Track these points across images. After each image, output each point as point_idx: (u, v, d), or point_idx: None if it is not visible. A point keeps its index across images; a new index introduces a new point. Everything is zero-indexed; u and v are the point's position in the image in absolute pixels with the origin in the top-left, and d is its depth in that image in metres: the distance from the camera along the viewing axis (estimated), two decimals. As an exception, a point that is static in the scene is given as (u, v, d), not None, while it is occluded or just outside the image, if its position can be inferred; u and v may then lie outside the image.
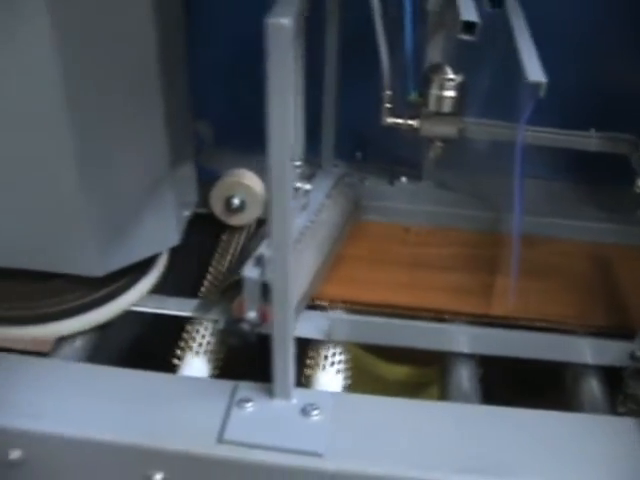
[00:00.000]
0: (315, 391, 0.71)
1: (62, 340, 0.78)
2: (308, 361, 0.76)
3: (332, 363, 0.75)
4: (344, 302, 0.78)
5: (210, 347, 0.76)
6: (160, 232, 0.75)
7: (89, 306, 0.76)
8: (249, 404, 0.66)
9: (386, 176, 0.92)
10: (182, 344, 0.77)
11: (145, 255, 0.76)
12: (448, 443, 0.65)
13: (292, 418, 0.66)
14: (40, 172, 0.67)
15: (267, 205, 0.58)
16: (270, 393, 0.67)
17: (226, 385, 0.69)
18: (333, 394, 0.70)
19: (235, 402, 0.67)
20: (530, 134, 0.77)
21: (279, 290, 0.62)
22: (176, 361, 0.76)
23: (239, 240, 0.87)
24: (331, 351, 0.76)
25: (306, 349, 0.77)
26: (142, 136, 0.69)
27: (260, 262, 0.72)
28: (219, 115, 0.95)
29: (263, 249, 0.72)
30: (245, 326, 0.72)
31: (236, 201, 0.85)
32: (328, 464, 0.63)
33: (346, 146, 0.95)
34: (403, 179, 0.93)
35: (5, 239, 0.73)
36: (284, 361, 0.65)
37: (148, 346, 0.85)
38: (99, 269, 0.73)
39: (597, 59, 0.87)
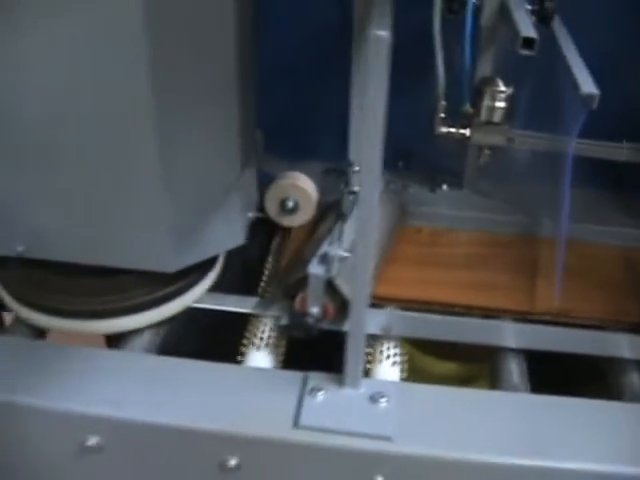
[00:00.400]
0: (381, 381, 0.75)
1: (129, 335, 0.82)
2: (366, 355, 0.81)
3: (388, 356, 0.79)
4: (397, 301, 0.83)
5: (271, 341, 0.81)
6: (228, 231, 0.79)
7: (156, 302, 0.80)
8: (320, 392, 0.71)
9: (428, 184, 0.97)
10: (245, 340, 0.81)
11: (214, 253, 0.80)
12: (507, 429, 0.70)
13: (361, 405, 0.70)
14: (126, 172, 0.71)
15: (354, 210, 0.63)
16: (339, 382, 0.72)
17: (296, 375, 0.74)
18: (398, 383, 0.74)
19: (307, 391, 0.71)
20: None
21: (359, 289, 0.66)
22: (239, 357, 0.81)
23: (294, 241, 0.91)
24: (386, 345, 0.81)
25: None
26: (219, 141, 0.74)
27: (325, 260, 0.77)
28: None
29: (327, 248, 0.77)
30: (310, 320, 0.76)
31: (290, 203, 0.90)
32: (398, 447, 0.68)
33: (388, 156, 1.00)
34: (444, 187, 0.98)
35: (83, 237, 0.77)
36: (356, 354, 0.69)
37: (208, 342, 0.89)
38: (172, 265, 0.77)
39: (629, 71, 0.93)
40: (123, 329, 0.80)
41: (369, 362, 0.79)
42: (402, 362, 0.80)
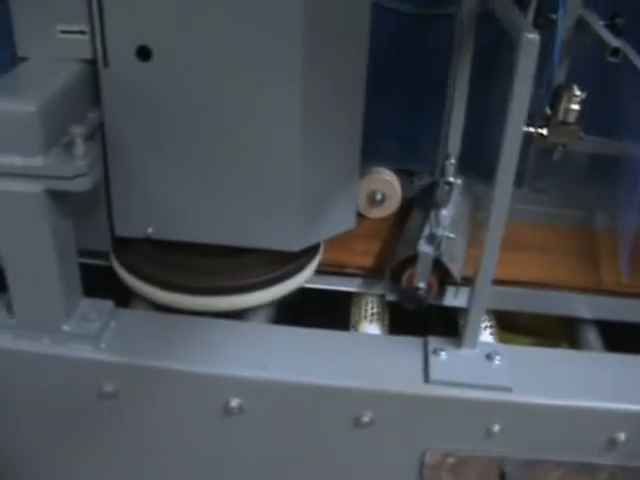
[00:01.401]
0: (492, 343, 0.85)
1: (245, 312, 0.89)
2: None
3: (485, 327, 0.89)
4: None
5: (379, 316, 0.90)
6: (344, 215, 0.89)
7: (274, 281, 0.88)
8: (443, 352, 0.81)
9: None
10: (354, 315, 0.91)
11: (332, 234, 0.89)
12: (600, 380, 0.81)
13: (480, 363, 0.80)
14: (266, 158, 0.80)
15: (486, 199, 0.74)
16: (457, 344, 0.81)
17: (417, 340, 0.83)
18: (506, 346, 0.84)
19: (430, 351, 0.81)
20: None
21: (486, 267, 0.76)
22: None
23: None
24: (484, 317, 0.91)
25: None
26: (348, 134, 0.84)
27: (432, 240, 0.86)
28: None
29: (434, 230, 0.87)
30: (421, 293, 0.85)
31: (379, 195, 0.99)
32: (518, 397, 0.78)
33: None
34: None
35: (213, 218, 0.85)
36: (477, 319, 0.80)
37: (314, 318, 0.97)
38: (297, 245, 0.85)
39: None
40: (244, 306, 0.88)
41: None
42: (495, 332, 0.90)
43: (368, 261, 0.94)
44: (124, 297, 0.92)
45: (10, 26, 0.80)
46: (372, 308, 0.90)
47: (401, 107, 1.12)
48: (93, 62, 0.79)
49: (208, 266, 0.88)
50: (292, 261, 0.89)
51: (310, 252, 0.92)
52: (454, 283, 0.89)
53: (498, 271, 0.93)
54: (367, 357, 0.81)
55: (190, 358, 0.80)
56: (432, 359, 0.80)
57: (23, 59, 0.80)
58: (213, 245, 0.87)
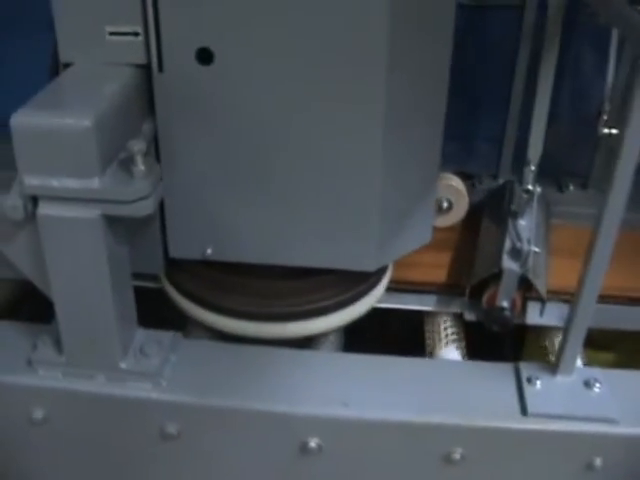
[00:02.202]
0: (588, 368, 0.78)
1: (317, 337, 0.82)
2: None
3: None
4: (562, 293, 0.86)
5: (456, 337, 0.83)
6: (421, 229, 0.81)
7: (345, 303, 0.80)
8: (537, 381, 0.74)
9: (555, 185, 1.02)
10: (428, 336, 0.84)
11: (408, 251, 0.81)
12: None
13: (579, 391, 0.73)
14: (344, 177, 0.72)
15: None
16: (551, 371, 0.74)
17: (506, 366, 0.76)
18: (603, 370, 0.77)
19: (524, 380, 0.74)
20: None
21: (592, 281, 0.68)
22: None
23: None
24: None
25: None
26: (426, 150, 0.76)
27: (517, 256, 0.79)
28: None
29: (518, 245, 0.80)
30: (507, 314, 0.78)
31: (445, 203, 0.92)
32: (623, 429, 0.71)
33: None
34: (571, 187, 1.04)
35: (279, 238, 0.76)
36: (576, 344, 0.72)
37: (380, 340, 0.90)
38: (373, 265, 0.78)
39: None
40: (316, 331, 0.80)
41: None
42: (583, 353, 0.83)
43: (441, 276, 0.88)
44: (170, 318, 0.86)
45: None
46: (446, 328, 0.84)
47: (458, 106, 1.04)
48: (146, 67, 0.71)
49: (272, 289, 0.80)
50: (362, 280, 0.81)
51: (379, 269, 0.84)
52: (538, 299, 0.82)
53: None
54: (455, 387, 0.74)
55: (262, 395, 0.72)
56: (527, 389, 0.73)
57: (67, 65, 0.72)
58: (271, 266, 0.80)
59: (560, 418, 0.71)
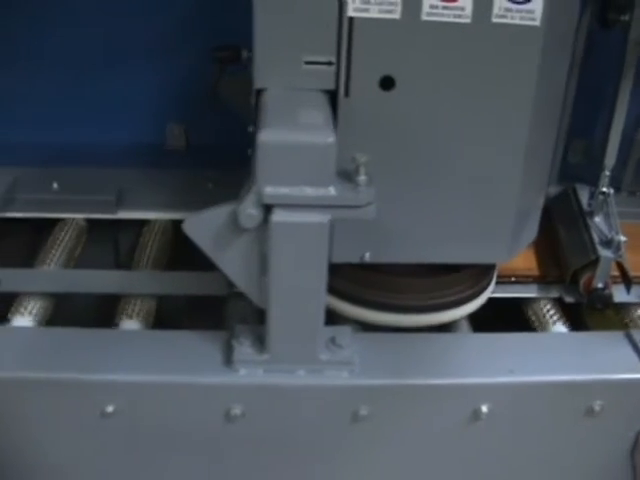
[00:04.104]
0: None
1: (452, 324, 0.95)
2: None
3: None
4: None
5: (557, 316, 0.98)
6: (534, 225, 0.94)
7: (477, 294, 0.93)
8: (649, 343, 0.91)
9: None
10: (535, 320, 0.99)
11: (527, 244, 0.95)
12: None
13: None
14: (494, 179, 0.84)
15: None
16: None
17: (618, 334, 0.91)
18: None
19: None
20: None
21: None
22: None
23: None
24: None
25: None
26: (547, 147, 0.90)
27: (609, 245, 0.96)
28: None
29: (610, 235, 0.97)
30: (607, 293, 0.95)
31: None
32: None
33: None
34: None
35: (429, 238, 0.87)
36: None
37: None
38: (505, 258, 0.91)
39: None
40: (456, 319, 0.93)
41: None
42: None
43: (532, 267, 1.03)
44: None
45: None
46: (550, 310, 0.99)
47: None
48: (331, 92, 0.80)
49: (416, 284, 0.91)
50: (486, 273, 0.95)
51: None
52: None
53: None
54: (588, 353, 0.88)
55: (440, 371, 0.84)
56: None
57: (259, 90, 0.80)
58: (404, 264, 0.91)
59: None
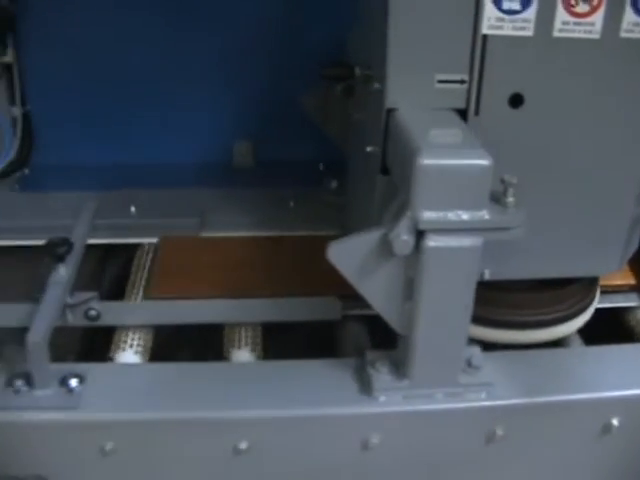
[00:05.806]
0: None
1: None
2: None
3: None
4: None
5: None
6: (637, 235, 0.94)
7: (584, 309, 0.93)
8: None
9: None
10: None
11: (631, 254, 0.95)
12: None
13: None
14: (615, 194, 0.85)
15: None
16: None
17: None
18: None
19: None
20: None
21: None
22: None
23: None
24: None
25: None
26: None
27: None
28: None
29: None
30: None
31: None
32: None
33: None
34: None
35: (546, 253, 0.87)
36: None
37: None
38: (617, 267, 0.91)
39: None
40: (570, 332, 0.92)
41: None
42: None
43: (625, 278, 1.04)
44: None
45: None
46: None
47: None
48: (461, 110, 0.79)
49: (528, 300, 0.90)
50: (593, 285, 0.95)
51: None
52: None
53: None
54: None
55: (571, 386, 0.83)
56: None
57: (389, 110, 0.78)
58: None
59: None
